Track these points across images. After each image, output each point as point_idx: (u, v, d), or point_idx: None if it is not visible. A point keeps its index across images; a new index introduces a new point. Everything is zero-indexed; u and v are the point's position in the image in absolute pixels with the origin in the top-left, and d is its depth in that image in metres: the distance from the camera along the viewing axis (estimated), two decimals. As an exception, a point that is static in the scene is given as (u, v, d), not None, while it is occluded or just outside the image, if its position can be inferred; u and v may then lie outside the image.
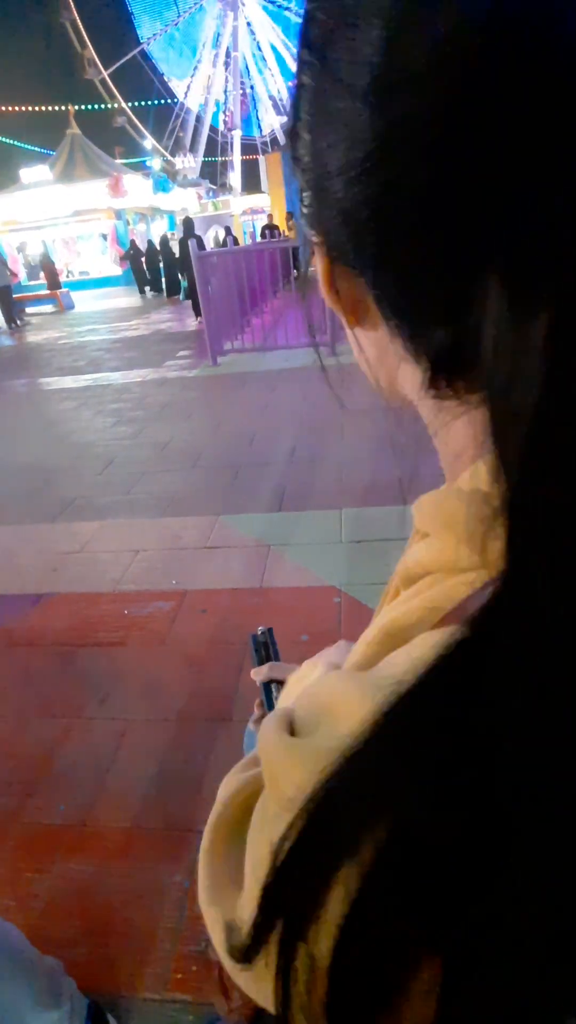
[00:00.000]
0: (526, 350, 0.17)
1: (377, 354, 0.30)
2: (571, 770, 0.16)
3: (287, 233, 12.70)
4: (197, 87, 45.21)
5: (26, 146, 43.75)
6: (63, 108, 24.52)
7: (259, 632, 0.71)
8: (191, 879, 1.22)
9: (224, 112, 47.15)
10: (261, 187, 28.56)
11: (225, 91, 46.87)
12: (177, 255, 11.74)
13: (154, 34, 45.42)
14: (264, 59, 47.02)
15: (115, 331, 9.93)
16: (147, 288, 16.26)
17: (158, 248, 15.19)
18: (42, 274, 16.24)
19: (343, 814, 0.20)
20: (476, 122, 0.18)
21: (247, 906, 0.28)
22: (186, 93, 44.95)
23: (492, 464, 0.18)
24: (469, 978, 0.17)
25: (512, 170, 0.18)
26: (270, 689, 0.67)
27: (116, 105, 41.01)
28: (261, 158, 22.74)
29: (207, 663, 1.85)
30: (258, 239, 14.65)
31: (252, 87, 49.64)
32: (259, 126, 51.94)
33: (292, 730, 0.26)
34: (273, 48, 45.54)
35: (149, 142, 42.31)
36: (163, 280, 15.13)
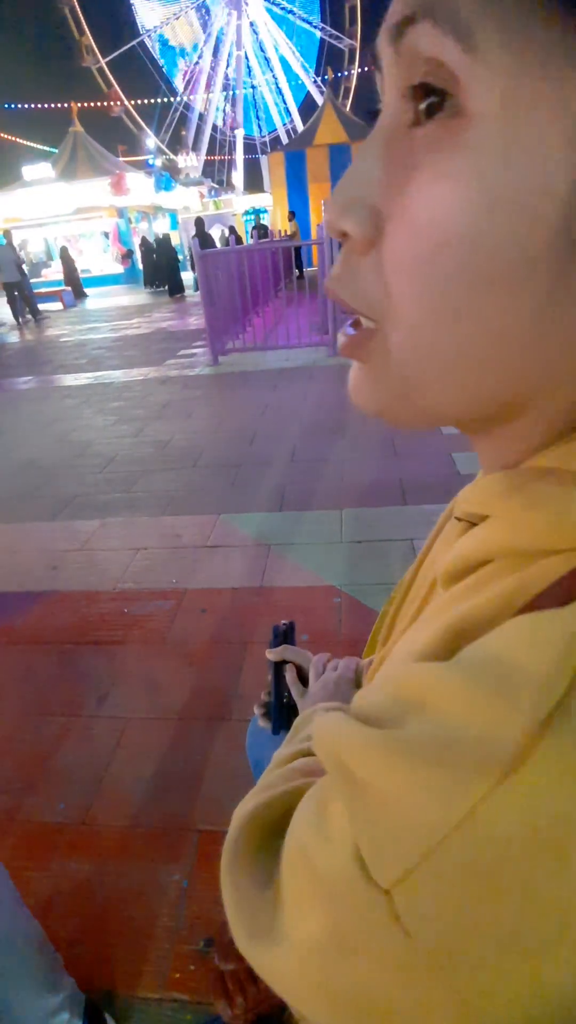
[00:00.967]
0: None
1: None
2: None
3: (287, 233, 12.68)
4: (198, 83, 45.21)
5: (29, 143, 43.74)
6: (66, 106, 24.48)
7: (281, 624, 0.75)
8: (189, 878, 1.23)
9: (226, 111, 47.16)
10: (263, 187, 28.58)
11: (228, 90, 46.89)
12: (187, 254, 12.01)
13: (155, 26, 45.38)
14: (268, 60, 47.04)
15: (116, 329, 9.94)
16: (155, 283, 16.11)
17: (155, 246, 15.22)
18: (57, 266, 16.04)
19: None
20: None
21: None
22: (185, 87, 44.92)
23: None
24: None
25: None
26: (281, 671, 0.69)
27: (111, 90, 40.90)
28: (263, 158, 22.70)
29: (207, 662, 1.85)
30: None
31: (254, 87, 49.63)
32: (260, 126, 51.93)
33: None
34: (276, 49, 45.58)
35: (152, 140, 42.28)
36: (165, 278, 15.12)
